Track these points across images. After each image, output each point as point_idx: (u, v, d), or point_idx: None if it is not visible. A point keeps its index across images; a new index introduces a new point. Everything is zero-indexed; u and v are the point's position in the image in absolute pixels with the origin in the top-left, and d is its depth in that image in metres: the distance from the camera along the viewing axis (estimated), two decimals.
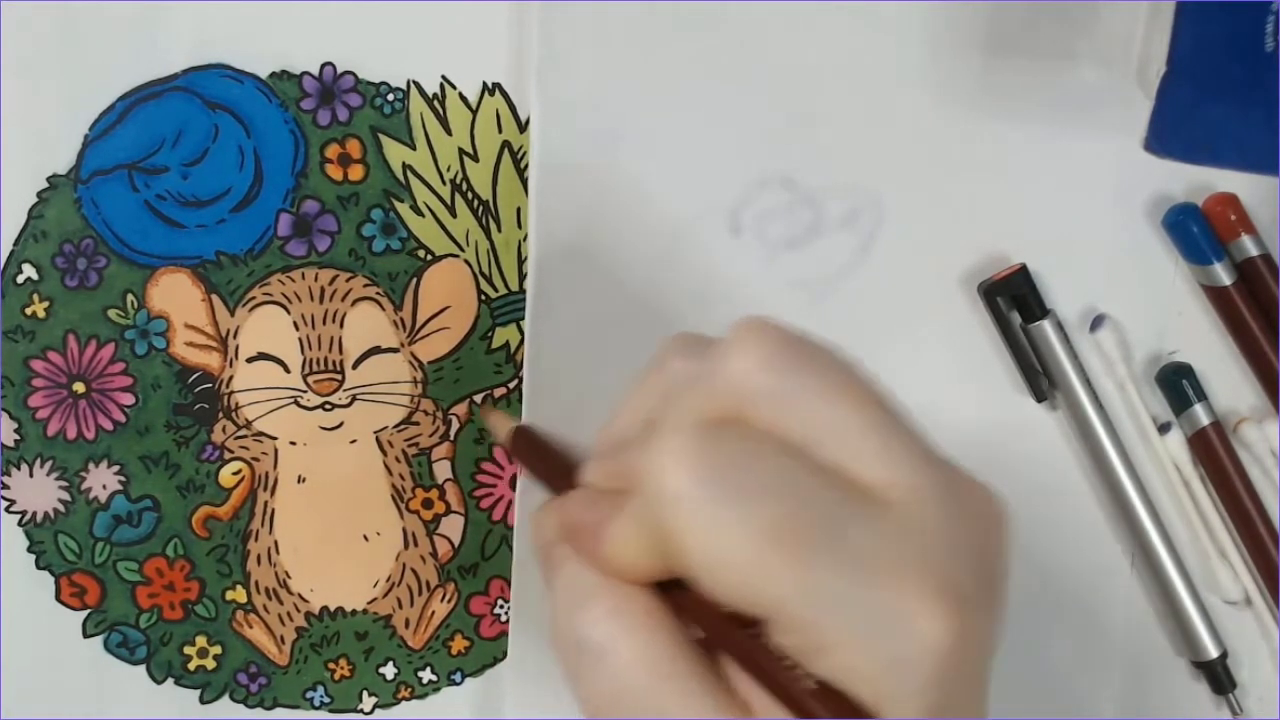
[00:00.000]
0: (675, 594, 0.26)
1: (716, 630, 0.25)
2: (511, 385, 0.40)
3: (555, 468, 0.30)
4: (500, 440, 0.33)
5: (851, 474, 0.24)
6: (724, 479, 0.23)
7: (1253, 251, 0.39)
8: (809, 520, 0.23)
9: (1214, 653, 0.40)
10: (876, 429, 0.24)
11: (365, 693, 0.41)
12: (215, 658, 0.40)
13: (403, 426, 0.39)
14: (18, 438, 0.38)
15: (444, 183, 0.38)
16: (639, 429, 0.27)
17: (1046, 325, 0.39)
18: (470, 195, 0.39)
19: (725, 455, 0.24)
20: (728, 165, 0.38)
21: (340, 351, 0.39)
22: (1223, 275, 0.39)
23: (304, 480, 0.40)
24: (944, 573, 0.23)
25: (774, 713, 0.24)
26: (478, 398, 0.40)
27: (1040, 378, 0.39)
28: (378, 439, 0.40)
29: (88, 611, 0.40)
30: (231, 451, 0.39)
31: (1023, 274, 0.39)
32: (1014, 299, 0.39)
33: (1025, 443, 0.40)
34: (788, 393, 0.24)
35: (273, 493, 0.39)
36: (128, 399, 0.38)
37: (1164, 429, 0.40)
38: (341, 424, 0.39)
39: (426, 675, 0.41)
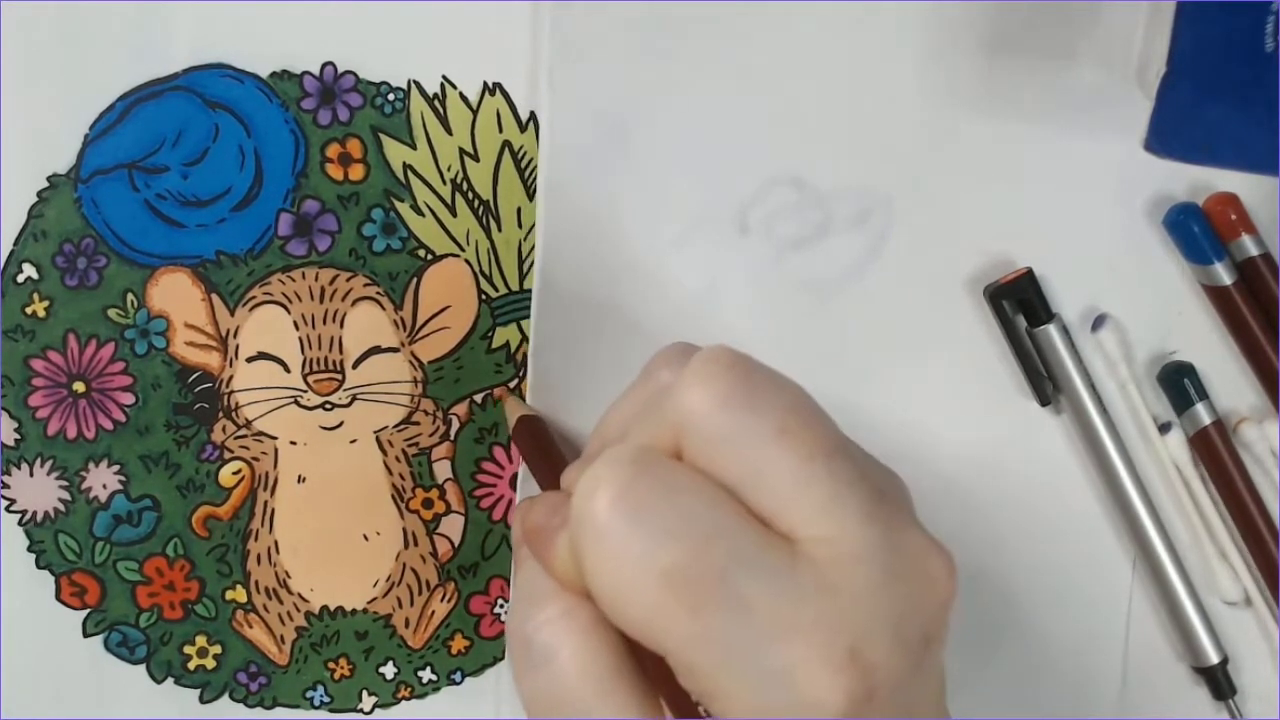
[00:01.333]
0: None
1: (639, 650, 0.25)
2: (512, 385, 0.40)
3: (548, 464, 0.30)
4: (510, 427, 0.34)
5: (782, 525, 0.24)
6: (636, 514, 0.23)
7: (1253, 251, 0.39)
8: (710, 566, 0.23)
9: (1215, 658, 0.40)
10: (819, 481, 0.24)
11: (365, 692, 0.41)
12: (215, 657, 0.40)
13: (403, 426, 0.39)
14: (18, 437, 0.38)
15: (444, 182, 0.38)
16: (618, 437, 0.28)
17: (1052, 329, 0.39)
18: (471, 195, 0.39)
19: (646, 488, 0.24)
20: (737, 165, 0.38)
21: (340, 351, 0.39)
22: (1223, 275, 0.39)
23: (304, 480, 0.40)
24: (853, 638, 0.23)
25: None
26: (478, 397, 0.40)
27: (1045, 382, 0.39)
28: (378, 439, 0.39)
29: (88, 611, 0.39)
30: (231, 451, 0.39)
31: (1029, 278, 0.39)
32: (1019, 302, 0.39)
33: (1029, 446, 0.40)
34: (733, 433, 0.24)
35: (273, 492, 0.39)
36: (128, 398, 0.38)
37: (1164, 429, 0.40)
38: (341, 424, 0.39)
39: (426, 675, 0.41)
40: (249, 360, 0.39)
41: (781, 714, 0.23)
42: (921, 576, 0.25)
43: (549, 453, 0.33)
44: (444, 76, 0.38)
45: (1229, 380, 0.40)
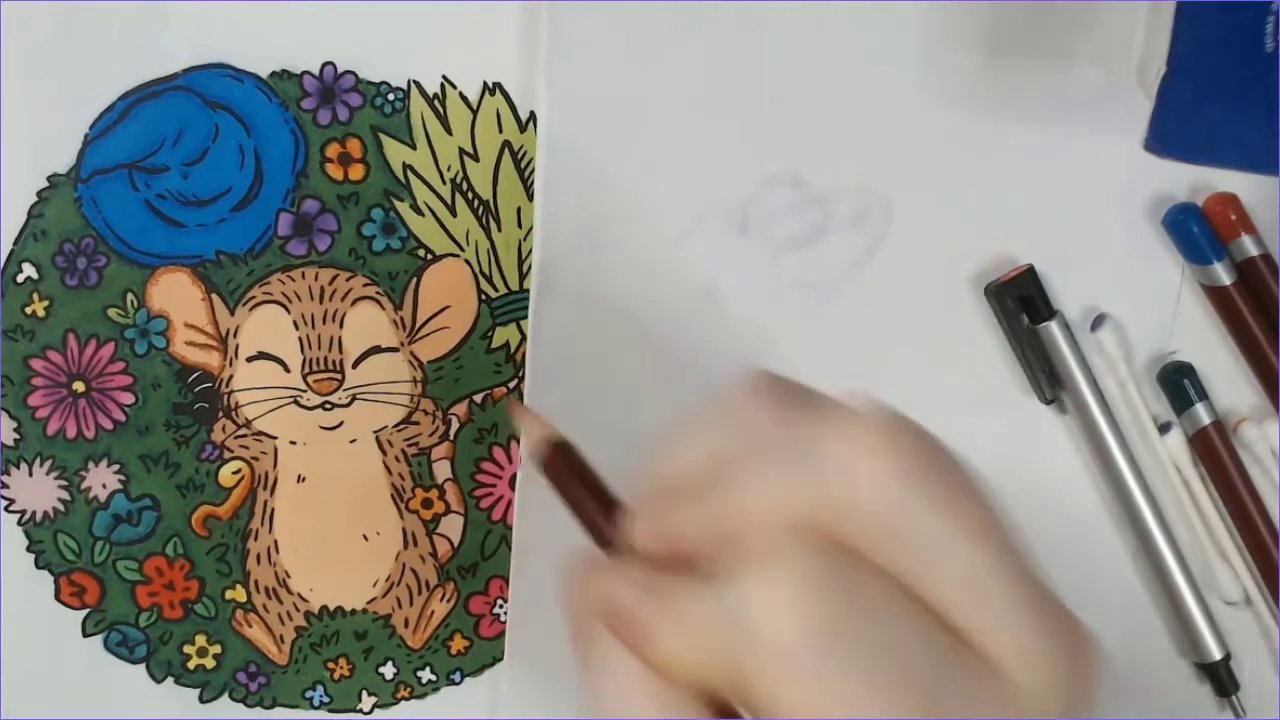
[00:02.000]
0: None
1: None
2: (511, 385, 0.40)
3: (592, 499, 0.26)
4: (530, 446, 0.29)
5: (961, 626, 0.21)
6: (840, 638, 0.20)
7: (1253, 251, 0.39)
8: (919, 684, 0.20)
9: (1217, 654, 0.40)
10: (999, 579, 0.21)
11: (364, 692, 0.41)
12: (215, 657, 0.40)
13: (402, 426, 0.39)
14: (17, 437, 0.38)
15: (444, 182, 0.38)
16: (701, 479, 0.23)
17: (1054, 326, 0.39)
18: (470, 195, 0.39)
19: (842, 607, 0.20)
20: (736, 164, 0.38)
21: (340, 351, 0.39)
22: (1223, 275, 0.39)
23: (304, 480, 0.40)
24: None
25: None
26: (478, 397, 0.40)
27: (1047, 379, 0.39)
28: (377, 438, 0.39)
29: (87, 611, 0.39)
30: (231, 451, 0.39)
31: (1030, 275, 0.39)
32: (1021, 300, 0.39)
33: (1030, 444, 0.40)
34: (907, 512, 0.21)
35: (272, 492, 0.39)
36: (127, 398, 0.38)
37: (1164, 429, 0.40)
38: (341, 423, 0.39)
39: (426, 675, 0.41)
40: (249, 360, 0.39)
41: None
42: (1082, 664, 0.23)
43: (590, 484, 0.27)
44: (444, 76, 0.38)
45: (1229, 380, 0.40)
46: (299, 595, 0.40)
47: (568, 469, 0.28)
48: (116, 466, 0.39)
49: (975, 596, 0.21)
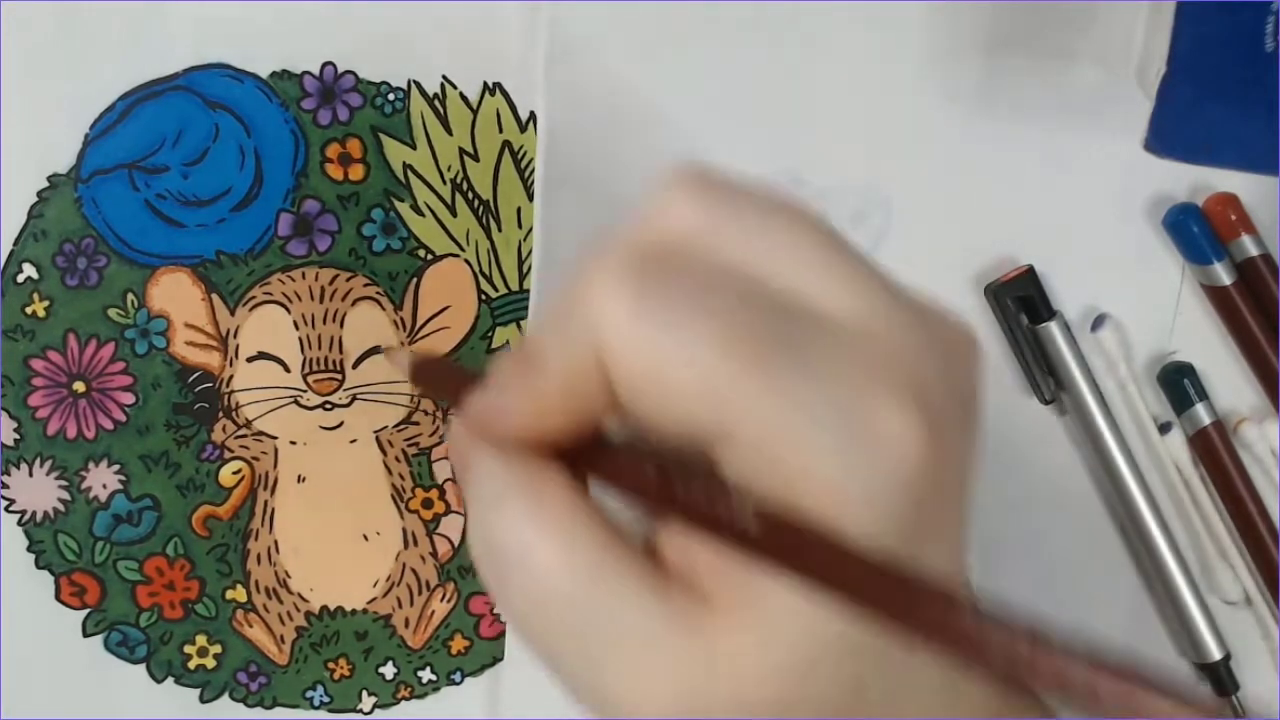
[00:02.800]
0: (595, 462, 0.24)
1: (643, 486, 0.23)
2: None
3: (462, 383, 0.27)
4: (404, 374, 0.31)
5: (810, 304, 0.22)
6: (670, 292, 0.21)
7: (1253, 251, 0.39)
8: (761, 324, 0.21)
9: (1217, 655, 0.40)
10: (836, 260, 0.23)
11: (365, 692, 0.41)
12: (215, 657, 0.40)
13: (403, 426, 0.39)
14: (17, 437, 0.38)
15: (444, 182, 0.38)
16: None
17: (1054, 326, 0.39)
18: (471, 195, 0.39)
19: (660, 269, 0.22)
20: (736, 163, 0.38)
21: (340, 351, 0.39)
22: (1223, 275, 0.39)
23: (304, 480, 0.40)
24: (916, 386, 0.22)
25: (716, 571, 0.22)
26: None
27: (1047, 379, 0.39)
28: (378, 439, 0.40)
29: (87, 611, 0.39)
30: (231, 451, 0.39)
31: (1030, 275, 0.39)
32: (1021, 300, 0.39)
33: (1030, 444, 0.40)
34: (730, 224, 0.23)
35: (273, 492, 0.39)
36: (128, 398, 0.38)
37: (1164, 429, 0.40)
38: (341, 423, 0.39)
39: (426, 675, 0.41)
40: (249, 360, 0.39)
41: (860, 460, 0.21)
42: (951, 337, 0.24)
43: (459, 373, 0.29)
44: (444, 76, 0.38)
45: (1229, 380, 0.40)
46: (299, 595, 0.40)
47: (432, 373, 0.30)
48: (117, 466, 0.39)
49: (808, 274, 0.22)
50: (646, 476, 0.23)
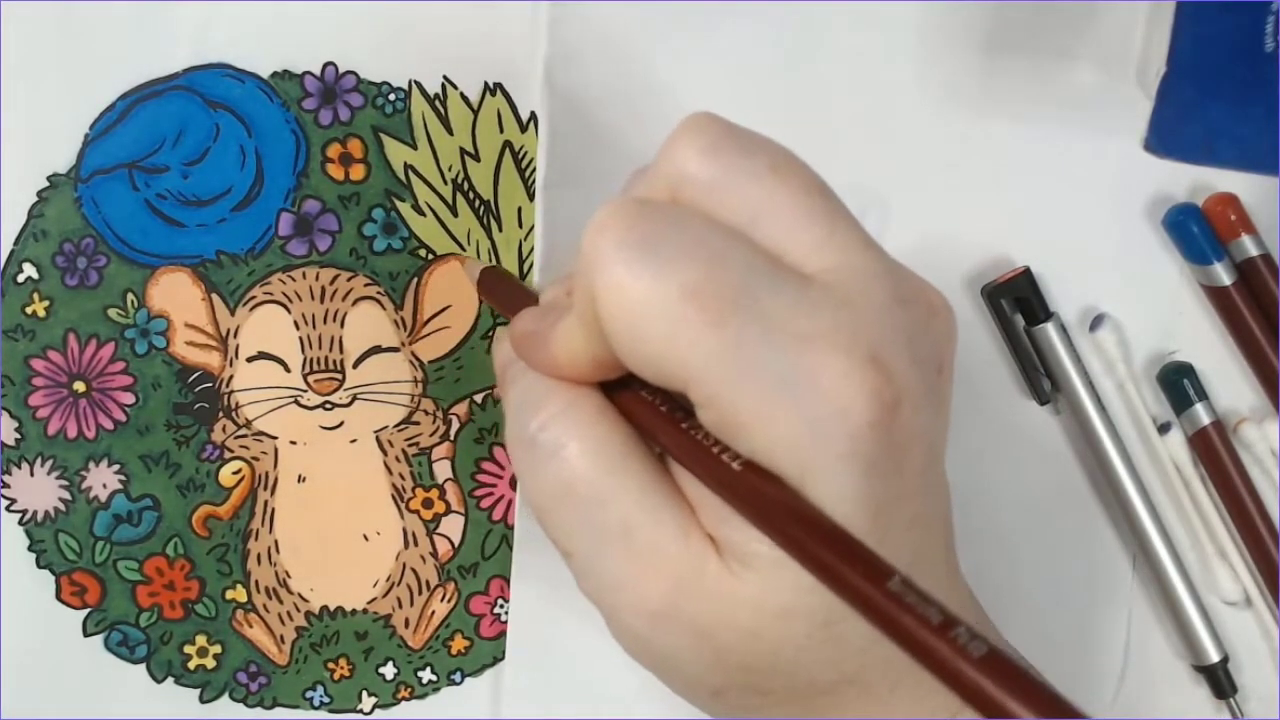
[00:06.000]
0: (620, 395, 0.26)
1: (651, 423, 0.25)
2: None
3: (518, 301, 0.30)
4: (472, 282, 0.36)
5: (787, 256, 0.24)
6: (644, 241, 0.23)
7: (1253, 251, 0.39)
8: (728, 282, 0.22)
9: (1215, 657, 0.40)
10: (817, 214, 0.24)
11: (365, 692, 0.41)
12: (215, 657, 0.40)
13: (403, 426, 0.39)
14: (18, 437, 0.38)
15: (445, 182, 0.39)
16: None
17: (1050, 328, 0.39)
18: (471, 195, 0.39)
19: (650, 221, 0.23)
20: None
21: (341, 351, 0.39)
22: (1223, 275, 0.39)
23: (304, 480, 0.39)
24: (873, 345, 0.23)
25: (713, 505, 0.24)
26: (478, 397, 0.40)
27: (1043, 380, 0.39)
28: (378, 439, 0.39)
29: (88, 610, 0.39)
30: (231, 451, 0.39)
31: (1026, 277, 0.39)
32: (1017, 301, 0.39)
33: (1027, 445, 0.40)
34: (728, 175, 0.24)
35: (273, 492, 0.39)
36: (128, 398, 0.38)
37: (1164, 429, 0.40)
38: (342, 423, 0.39)
39: (426, 675, 0.41)
40: (249, 360, 0.39)
41: (811, 420, 0.22)
42: (925, 303, 0.25)
43: (516, 291, 0.33)
44: (445, 77, 0.38)
45: (1229, 380, 0.40)
46: (299, 595, 0.40)
47: (496, 284, 0.34)
48: (117, 466, 0.39)
49: (787, 227, 0.24)
50: (655, 414, 0.25)
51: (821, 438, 0.22)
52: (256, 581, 0.40)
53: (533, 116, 0.38)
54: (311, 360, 0.39)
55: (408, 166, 0.38)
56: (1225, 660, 0.40)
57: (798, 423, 0.22)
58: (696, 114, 0.25)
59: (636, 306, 0.23)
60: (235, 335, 0.38)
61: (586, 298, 0.24)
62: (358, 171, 0.38)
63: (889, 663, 0.25)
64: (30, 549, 0.39)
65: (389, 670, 0.41)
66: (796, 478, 0.23)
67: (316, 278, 0.38)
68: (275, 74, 0.38)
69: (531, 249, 0.39)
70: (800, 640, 0.24)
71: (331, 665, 0.40)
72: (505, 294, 0.35)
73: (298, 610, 0.40)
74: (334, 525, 0.40)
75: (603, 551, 0.26)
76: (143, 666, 0.40)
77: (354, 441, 0.39)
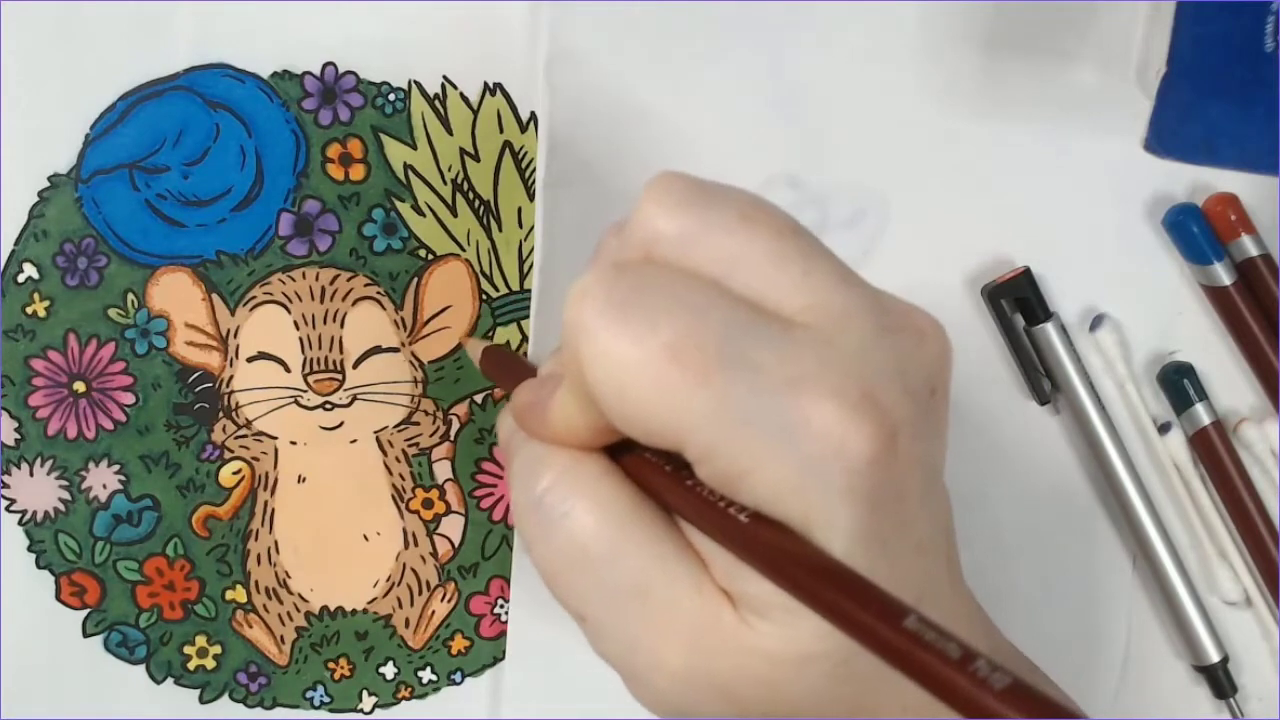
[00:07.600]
0: (623, 458, 0.26)
1: (656, 482, 0.25)
2: None
3: (519, 374, 0.31)
4: (475, 362, 0.36)
5: (767, 302, 0.24)
6: (623, 304, 0.23)
7: (1253, 251, 0.39)
8: (710, 337, 0.23)
9: (1215, 657, 0.40)
10: (791, 257, 0.24)
11: (365, 692, 0.41)
12: (215, 657, 0.40)
13: (403, 426, 0.39)
14: (18, 437, 0.38)
15: (445, 182, 0.39)
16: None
17: (1050, 328, 0.39)
18: (471, 195, 0.39)
19: (627, 284, 0.23)
20: (734, 164, 0.38)
21: (341, 351, 0.39)
22: (1223, 275, 0.39)
23: (304, 480, 0.39)
24: (863, 381, 0.23)
25: (723, 559, 0.24)
26: (478, 397, 0.40)
27: (1043, 380, 0.39)
28: (378, 439, 0.39)
29: (87, 611, 0.39)
30: (231, 451, 0.39)
31: (1026, 277, 0.39)
32: (1017, 301, 0.39)
33: (1027, 445, 0.40)
34: (697, 230, 0.24)
35: (273, 492, 0.39)
36: (128, 398, 0.38)
37: (1164, 429, 0.40)
38: (342, 424, 0.39)
39: (426, 675, 0.41)
40: (249, 360, 0.39)
41: (808, 465, 0.22)
42: (913, 329, 0.25)
43: (517, 367, 0.34)
44: (445, 77, 0.38)
45: (1229, 380, 0.40)
46: (299, 595, 0.40)
47: (499, 360, 0.35)
48: (117, 467, 0.39)
49: (764, 272, 0.24)
50: (658, 473, 0.25)
51: (821, 480, 0.22)
52: (256, 582, 0.40)
53: (532, 117, 0.38)
54: (311, 360, 0.39)
55: (408, 166, 0.38)
56: (1225, 660, 0.40)
57: (795, 468, 0.22)
58: (663, 173, 0.25)
59: (622, 371, 0.23)
60: (235, 335, 0.38)
61: (575, 366, 0.24)
62: (358, 171, 0.38)
63: (900, 688, 0.25)
64: (30, 549, 0.39)
65: (389, 670, 0.41)
66: (801, 522, 0.23)
67: (316, 278, 0.38)
68: (275, 74, 0.38)
69: (531, 249, 0.39)
70: (820, 683, 0.24)
71: (332, 665, 0.40)
72: (506, 369, 0.35)
73: (298, 610, 0.40)
74: (334, 525, 0.40)
75: (618, 612, 0.26)
76: (142, 667, 0.40)
77: (354, 442, 0.39)
